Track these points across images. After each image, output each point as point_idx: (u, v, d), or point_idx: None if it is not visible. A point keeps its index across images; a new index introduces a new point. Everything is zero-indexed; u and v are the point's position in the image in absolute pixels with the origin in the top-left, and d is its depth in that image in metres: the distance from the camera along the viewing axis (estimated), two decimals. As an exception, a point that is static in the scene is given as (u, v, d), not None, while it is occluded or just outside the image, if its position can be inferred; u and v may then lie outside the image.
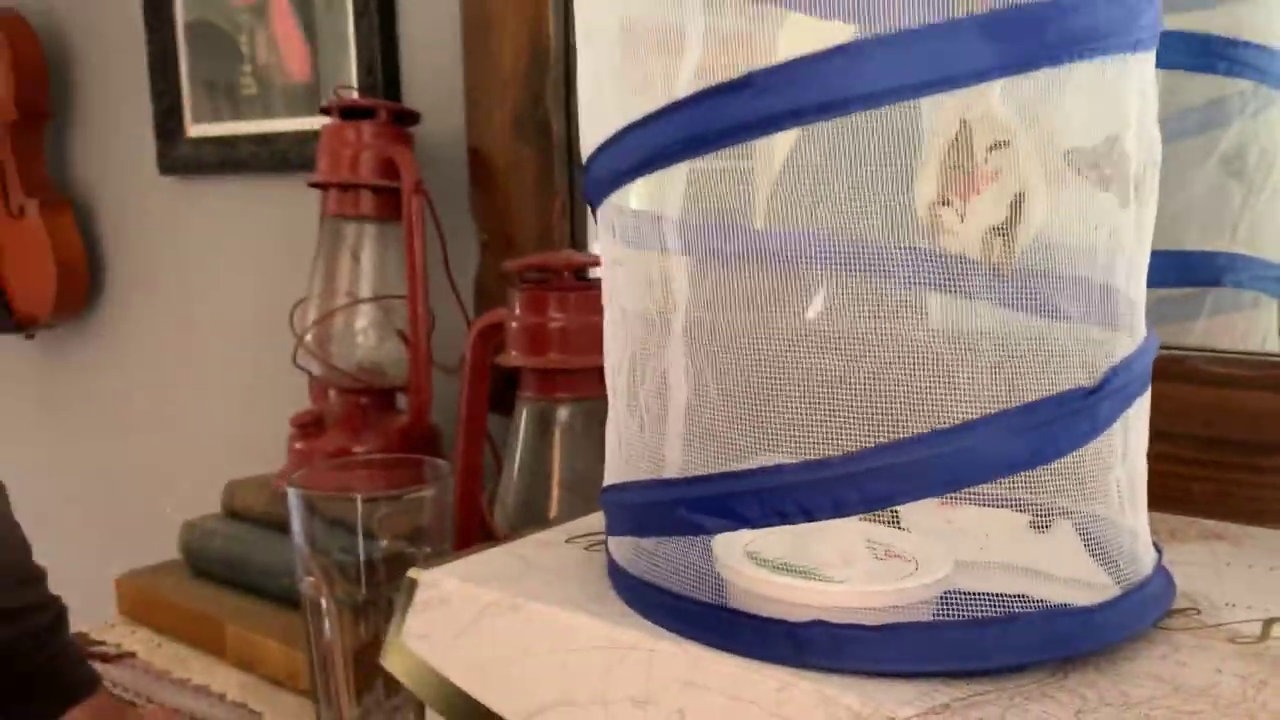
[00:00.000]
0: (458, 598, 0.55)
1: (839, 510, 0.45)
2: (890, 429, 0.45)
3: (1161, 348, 0.68)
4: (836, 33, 0.52)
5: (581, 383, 0.80)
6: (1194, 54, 0.76)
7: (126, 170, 1.35)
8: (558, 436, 0.81)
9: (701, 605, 0.48)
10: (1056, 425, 0.45)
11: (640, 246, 0.58)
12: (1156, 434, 0.65)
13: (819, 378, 0.50)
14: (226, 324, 1.31)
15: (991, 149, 0.56)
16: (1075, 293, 0.50)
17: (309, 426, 0.95)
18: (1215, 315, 0.78)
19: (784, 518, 0.46)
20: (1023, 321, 0.50)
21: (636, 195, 0.57)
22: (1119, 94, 0.48)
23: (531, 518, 0.81)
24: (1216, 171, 0.79)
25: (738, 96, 0.45)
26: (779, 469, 0.45)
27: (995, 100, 0.52)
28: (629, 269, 0.58)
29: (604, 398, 0.83)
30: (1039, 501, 0.51)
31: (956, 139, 0.56)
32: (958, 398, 0.45)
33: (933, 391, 0.46)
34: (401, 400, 1.00)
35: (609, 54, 0.54)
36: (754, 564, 0.49)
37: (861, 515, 0.55)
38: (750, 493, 0.46)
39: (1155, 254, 0.78)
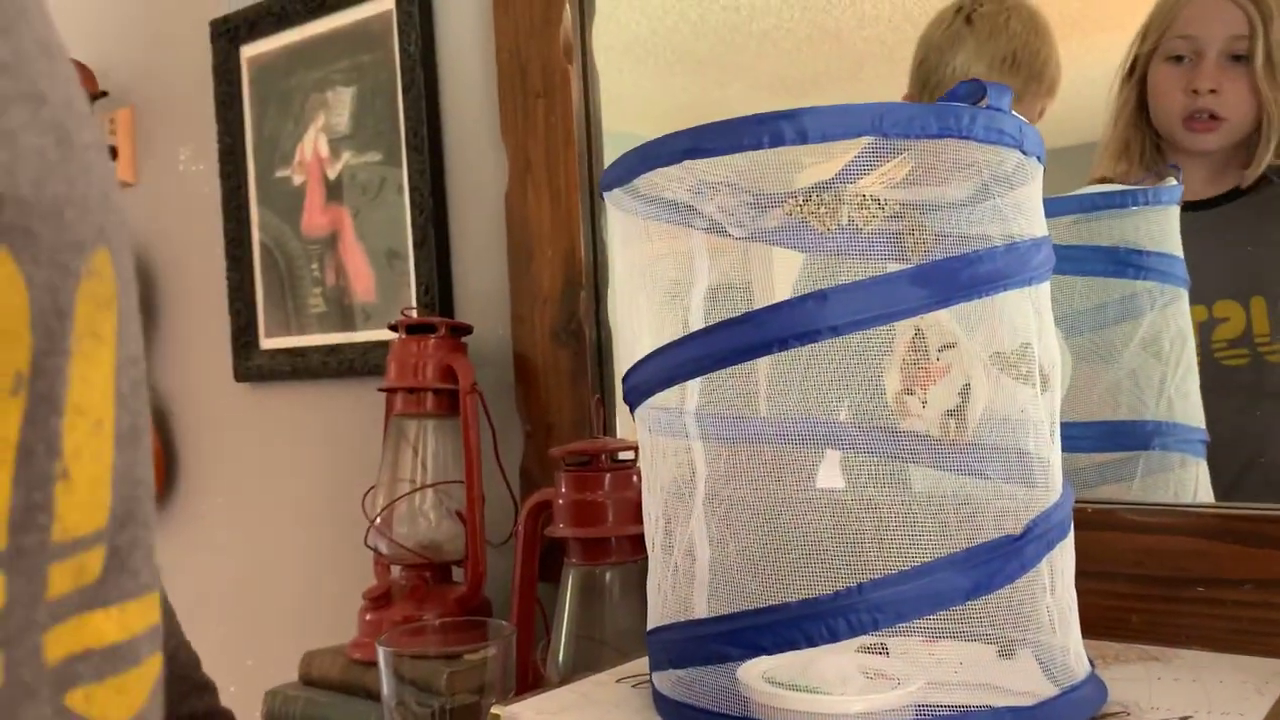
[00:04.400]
0: (534, 726, 0.68)
1: (834, 636, 0.59)
2: (867, 571, 0.60)
3: (1097, 503, 0.83)
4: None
5: (620, 549, 0.94)
6: (1108, 263, 0.94)
7: (203, 379, 1.53)
8: (602, 597, 0.95)
9: (731, 719, 0.62)
10: (993, 564, 0.59)
11: (669, 435, 0.73)
12: (1097, 574, 0.79)
13: (812, 534, 0.65)
14: (292, 511, 1.45)
15: (942, 349, 0.73)
16: (1004, 460, 0.65)
17: (379, 599, 1.09)
18: (1148, 476, 0.93)
19: (792, 644, 0.60)
20: (966, 484, 0.66)
21: (663, 395, 0.73)
22: (1024, 314, 0.65)
23: (580, 669, 0.94)
24: (1138, 353, 0.95)
25: (740, 329, 0.61)
26: (785, 606, 0.60)
27: (943, 313, 0.69)
28: (661, 454, 0.74)
29: (639, 562, 0.97)
30: (1001, 635, 0.66)
31: (914, 342, 0.73)
32: (919, 544, 0.60)
33: (896, 540, 0.61)
34: (457, 573, 1.14)
35: (640, 297, 0.71)
36: (771, 685, 0.63)
37: (858, 648, 0.69)
38: (765, 626, 0.60)
39: (1093, 424, 0.95)
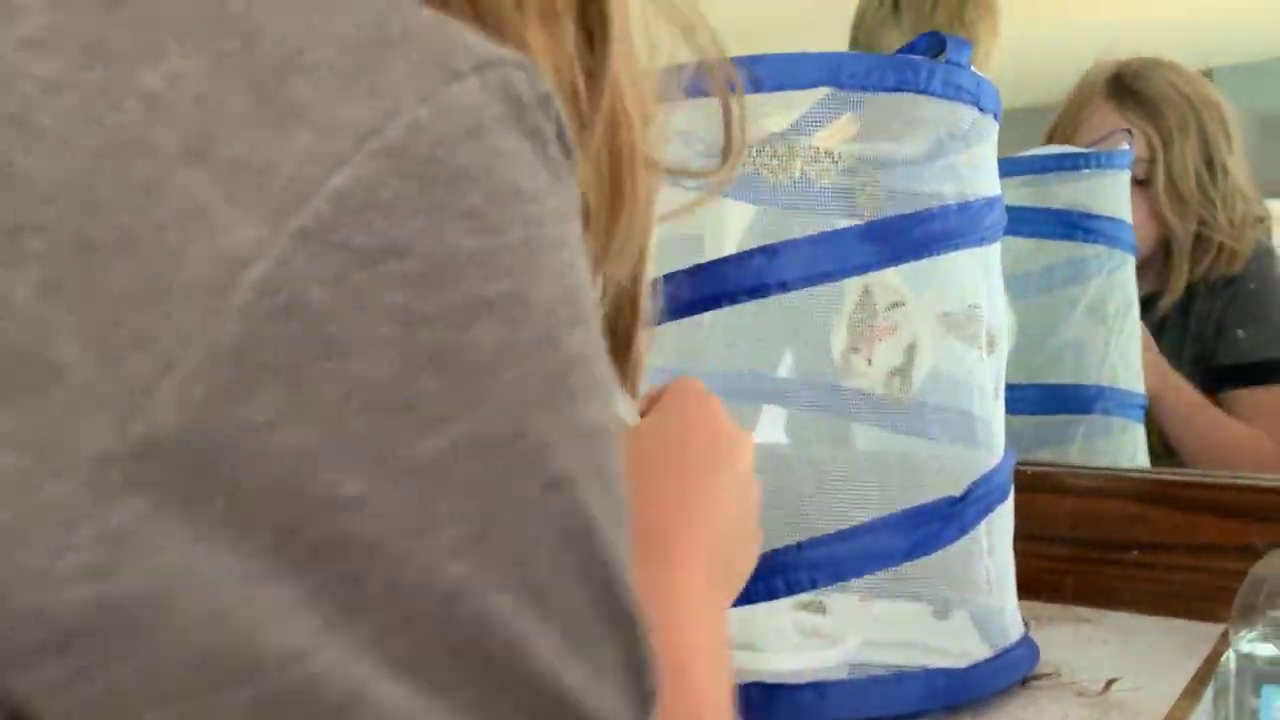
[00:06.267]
0: None
1: (771, 595, 0.58)
2: (807, 529, 0.59)
3: (1037, 465, 0.83)
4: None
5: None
6: (1057, 225, 0.94)
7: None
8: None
9: (665, 674, 0.61)
10: (932, 526, 0.59)
11: None
12: (1033, 536, 0.79)
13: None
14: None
15: (889, 308, 0.72)
16: (948, 420, 0.65)
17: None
18: (1089, 440, 0.94)
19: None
20: (910, 444, 0.65)
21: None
22: (973, 275, 0.64)
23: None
24: (1084, 317, 0.95)
25: (688, 283, 0.60)
26: (723, 563, 0.59)
27: (890, 271, 0.68)
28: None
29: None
30: (938, 595, 0.66)
31: (861, 300, 0.72)
32: (861, 504, 0.60)
33: (837, 499, 0.60)
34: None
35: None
36: (706, 642, 0.62)
37: (795, 604, 0.69)
38: (702, 582, 0.59)
39: (1035, 387, 0.95)
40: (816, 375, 0.71)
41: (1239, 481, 0.75)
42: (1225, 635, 0.65)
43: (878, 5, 1.10)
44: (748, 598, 0.58)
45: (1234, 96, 1.41)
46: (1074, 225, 0.93)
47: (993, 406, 0.64)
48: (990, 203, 0.63)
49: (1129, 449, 0.95)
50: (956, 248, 0.61)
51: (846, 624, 0.68)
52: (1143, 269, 0.96)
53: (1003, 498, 0.63)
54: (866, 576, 0.64)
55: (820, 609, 0.70)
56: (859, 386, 0.72)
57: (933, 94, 0.59)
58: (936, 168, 0.65)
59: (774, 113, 0.59)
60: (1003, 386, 0.66)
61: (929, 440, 0.63)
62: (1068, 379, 0.94)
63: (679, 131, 0.68)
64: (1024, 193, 0.94)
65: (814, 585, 0.58)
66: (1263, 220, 1.02)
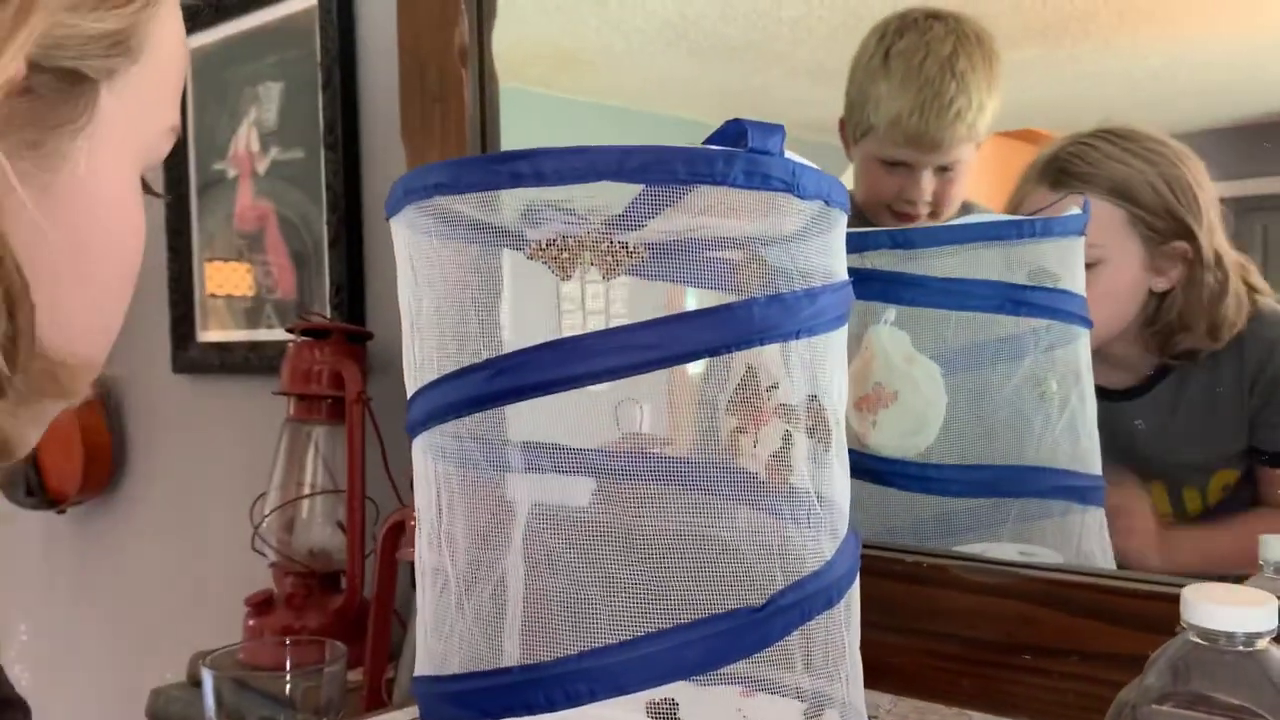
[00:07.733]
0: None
1: (551, 705, 0.56)
2: (595, 634, 0.56)
3: (934, 556, 0.79)
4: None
5: (471, 574, 0.92)
6: (989, 299, 0.88)
7: (147, 369, 1.54)
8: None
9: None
10: (724, 638, 0.56)
11: (480, 468, 0.71)
12: (925, 633, 0.75)
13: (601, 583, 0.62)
14: (218, 502, 1.46)
15: (769, 389, 0.69)
16: (797, 502, 0.62)
17: (261, 605, 1.08)
18: (1022, 523, 0.88)
19: (513, 713, 0.57)
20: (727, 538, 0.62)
21: (472, 425, 0.70)
22: (794, 368, 0.61)
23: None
24: (1018, 394, 0.89)
25: (475, 376, 0.58)
26: (508, 670, 0.57)
27: (772, 350, 0.66)
28: (464, 488, 0.71)
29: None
30: (810, 691, 0.62)
31: (744, 380, 0.70)
32: (647, 611, 0.57)
33: (628, 604, 0.57)
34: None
35: (430, 319, 0.68)
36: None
37: (647, 703, 0.66)
38: (488, 690, 0.57)
39: (966, 468, 0.89)
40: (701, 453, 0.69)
41: (1129, 585, 0.69)
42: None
43: (869, 58, 1.08)
44: (530, 709, 0.57)
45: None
46: (1007, 298, 0.88)
47: (838, 491, 0.61)
48: (811, 294, 0.60)
49: (1073, 532, 0.88)
50: (763, 342, 0.58)
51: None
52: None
53: (823, 607, 0.60)
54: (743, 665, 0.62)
55: (670, 708, 0.67)
56: (744, 468, 0.69)
57: (735, 185, 0.56)
58: (792, 249, 0.62)
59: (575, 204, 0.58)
60: (840, 483, 0.63)
61: (784, 519, 0.60)
62: (1000, 460, 0.89)
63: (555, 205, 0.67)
64: (955, 263, 0.90)
65: (593, 697, 0.56)
66: (1255, 290, 0.95)
